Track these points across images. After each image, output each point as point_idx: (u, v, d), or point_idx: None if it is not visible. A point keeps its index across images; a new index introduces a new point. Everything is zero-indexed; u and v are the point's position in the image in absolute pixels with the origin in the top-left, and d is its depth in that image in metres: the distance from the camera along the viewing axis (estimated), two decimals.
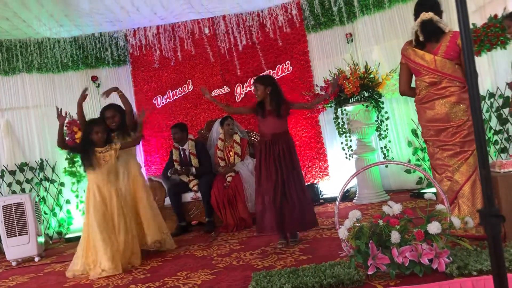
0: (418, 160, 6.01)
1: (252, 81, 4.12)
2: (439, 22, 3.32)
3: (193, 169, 5.80)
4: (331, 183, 6.66)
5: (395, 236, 2.64)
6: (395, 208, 2.81)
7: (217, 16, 6.96)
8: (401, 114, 6.18)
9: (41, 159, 6.53)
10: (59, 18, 6.23)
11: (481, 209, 1.25)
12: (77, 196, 6.59)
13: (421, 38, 3.38)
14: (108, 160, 4.13)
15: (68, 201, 6.61)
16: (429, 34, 3.35)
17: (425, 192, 5.21)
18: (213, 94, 7.06)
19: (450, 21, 5.24)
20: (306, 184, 4.61)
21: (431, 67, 3.34)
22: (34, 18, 6.04)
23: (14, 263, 5.04)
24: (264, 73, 6.54)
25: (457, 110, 3.29)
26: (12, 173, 6.32)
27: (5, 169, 6.29)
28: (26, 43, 6.70)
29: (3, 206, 5.09)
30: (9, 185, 6.24)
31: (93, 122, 4.27)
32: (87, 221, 4.09)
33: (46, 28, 6.44)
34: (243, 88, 7.01)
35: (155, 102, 7.19)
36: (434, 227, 2.64)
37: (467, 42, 1.22)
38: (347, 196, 6.15)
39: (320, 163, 6.74)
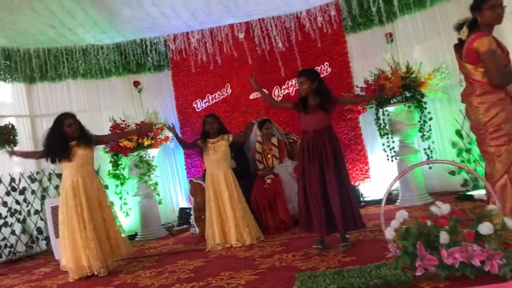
0: (463, 161, 5.81)
1: (297, 75, 4.08)
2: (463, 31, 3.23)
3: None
4: (372, 186, 6.55)
5: (444, 237, 2.56)
6: (443, 208, 2.74)
7: (255, 19, 7.00)
8: (444, 114, 6.01)
9: None
10: (102, 25, 6.44)
11: None
12: (120, 198, 6.75)
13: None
14: (217, 150, 4.93)
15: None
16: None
17: (472, 195, 5.06)
18: (251, 97, 7.11)
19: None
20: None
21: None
22: (79, 26, 6.27)
23: None
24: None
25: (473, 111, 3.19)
26: (59, 176, 6.52)
27: (52, 172, 6.52)
28: (71, 50, 6.95)
29: (51, 207, 5.27)
30: (56, 187, 6.46)
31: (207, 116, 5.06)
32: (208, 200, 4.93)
33: (90, 35, 6.67)
34: (281, 90, 7.02)
35: (195, 106, 7.30)
36: (485, 228, 2.55)
37: None
38: (389, 198, 6.03)
39: (361, 166, 6.64)
